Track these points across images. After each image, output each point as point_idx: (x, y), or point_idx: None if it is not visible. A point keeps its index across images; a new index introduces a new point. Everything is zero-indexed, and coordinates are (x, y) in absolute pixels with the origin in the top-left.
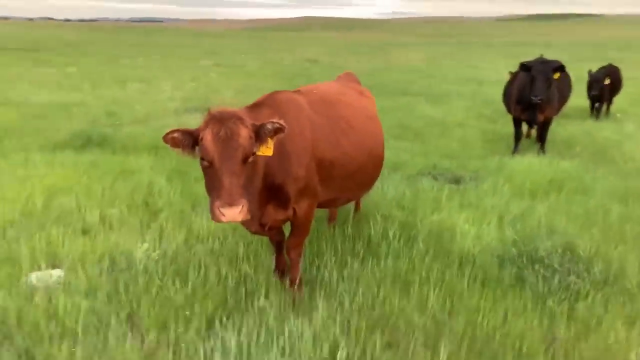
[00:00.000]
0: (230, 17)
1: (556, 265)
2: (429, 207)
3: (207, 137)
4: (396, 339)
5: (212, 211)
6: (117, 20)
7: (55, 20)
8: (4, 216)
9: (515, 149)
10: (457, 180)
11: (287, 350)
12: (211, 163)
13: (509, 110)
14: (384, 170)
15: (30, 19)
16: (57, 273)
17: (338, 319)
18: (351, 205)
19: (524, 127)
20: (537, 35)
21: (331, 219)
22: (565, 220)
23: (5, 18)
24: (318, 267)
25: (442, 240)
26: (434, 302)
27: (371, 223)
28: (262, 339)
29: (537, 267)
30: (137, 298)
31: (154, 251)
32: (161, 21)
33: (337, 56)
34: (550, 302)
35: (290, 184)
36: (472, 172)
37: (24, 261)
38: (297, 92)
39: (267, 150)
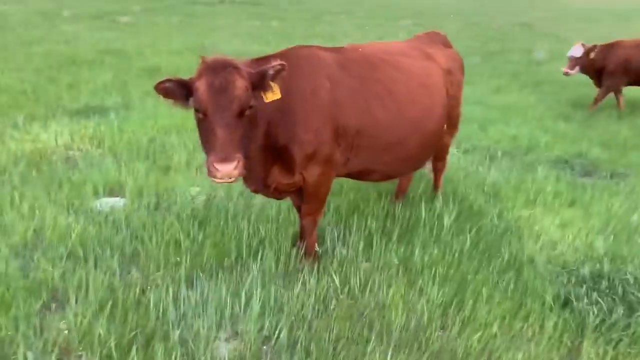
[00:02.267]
0: None
1: (633, 295)
2: (523, 199)
3: (201, 87)
4: (352, 334)
5: (207, 168)
6: None
7: None
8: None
9: None
10: (590, 174)
11: (228, 319)
12: (205, 115)
13: None
14: (510, 151)
15: None
16: (121, 202)
17: (311, 301)
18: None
19: None
20: None
21: (399, 192)
22: None
23: None
24: (344, 242)
25: (501, 240)
26: (431, 305)
27: (430, 205)
28: (218, 301)
29: (592, 291)
30: (152, 234)
31: (201, 196)
32: None
33: (556, 22)
34: (587, 341)
35: (294, 148)
36: (624, 167)
37: (98, 187)
38: (338, 49)
39: (274, 95)
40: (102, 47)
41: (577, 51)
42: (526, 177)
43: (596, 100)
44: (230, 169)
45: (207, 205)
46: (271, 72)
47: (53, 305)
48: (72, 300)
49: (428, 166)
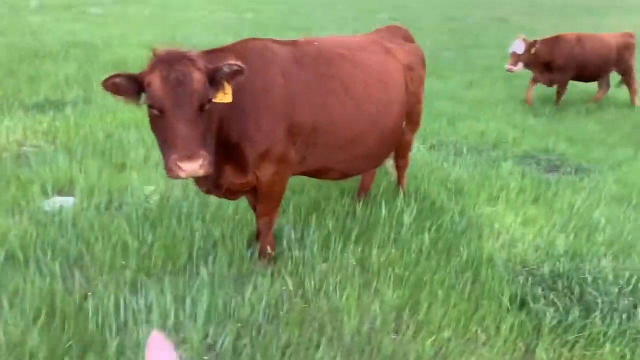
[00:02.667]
0: None
1: (590, 294)
2: (486, 196)
3: (155, 82)
4: (303, 340)
5: (167, 166)
6: None
7: None
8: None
9: None
10: (556, 170)
11: (172, 326)
12: (162, 111)
13: None
14: (477, 146)
15: None
16: (70, 201)
17: (262, 306)
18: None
19: None
20: None
21: (362, 190)
22: None
23: None
24: (301, 243)
25: (461, 239)
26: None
27: (391, 203)
28: (162, 307)
29: (549, 291)
30: (99, 236)
31: (154, 194)
32: None
33: (534, 16)
34: (542, 344)
35: (246, 146)
36: (589, 163)
37: (47, 186)
38: (293, 42)
39: (225, 96)
40: (69, 39)
41: (519, 47)
42: (490, 173)
43: (558, 96)
44: (195, 167)
45: (160, 205)
46: (226, 69)
47: None
48: (6, 309)
49: (391, 163)
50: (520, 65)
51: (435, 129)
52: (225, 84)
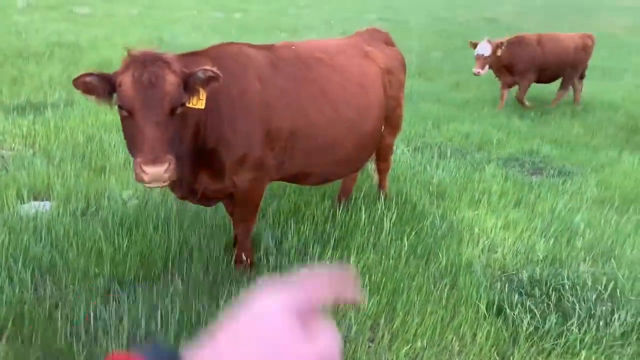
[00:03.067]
0: None
1: (568, 301)
2: (468, 199)
3: (127, 82)
4: None
5: (134, 171)
6: None
7: None
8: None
9: None
10: (539, 172)
11: (144, 337)
12: (131, 112)
13: None
14: (461, 149)
15: None
16: (46, 206)
17: None
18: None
19: None
20: None
21: (343, 194)
22: None
23: None
24: (279, 249)
25: (441, 243)
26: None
27: (371, 207)
28: (134, 317)
29: (526, 297)
30: (73, 242)
31: (132, 199)
32: None
33: (524, 16)
34: (518, 351)
35: (223, 151)
36: (573, 165)
37: (22, 191)
38: (269, 46)
39: (198, 102)
40: (54, 40)
41: (485, 49)
42: (473, 176)
43: (519, 100)
44: (160, 171)
45: (138, 210)
46: (201, 75)
47: None
48: None
49: (372, 167)
50: (487, 68)
51: (420, 131)
52: (200, 89)
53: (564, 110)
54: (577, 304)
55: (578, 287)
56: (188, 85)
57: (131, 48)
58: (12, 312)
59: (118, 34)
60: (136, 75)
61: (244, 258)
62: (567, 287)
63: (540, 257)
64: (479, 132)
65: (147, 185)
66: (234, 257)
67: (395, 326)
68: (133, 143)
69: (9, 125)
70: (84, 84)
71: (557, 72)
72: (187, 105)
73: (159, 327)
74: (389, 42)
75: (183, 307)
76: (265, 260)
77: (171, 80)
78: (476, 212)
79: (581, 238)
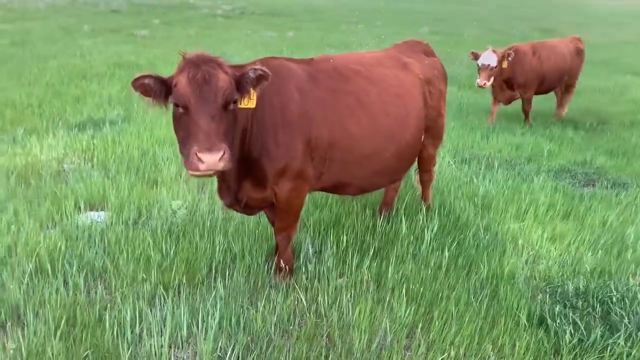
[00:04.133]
0: None
1: (616, 314)
2: (514, 211)
3: (182, 81)
4: (312, 355)
5: (188, 162)
6: None
7: None
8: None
9: None
10: (592, 184)
11: (185, 338)
12: (186, 108)
13: None
14: (510, 160)
15: None
16: (101, 216)
17: (274, 319)
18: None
19: None
20: None
21: (385, 205)
22: None
23: None
24: (319, 258)
25: (483, 255)
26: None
27: (413, 218)
28: (177, 320)
29: (571, 309)
30: (124, 249)
31: (181, 209)
32: None
33: (579, 27)
34: None
35: (265, 162)
36: (629, 176)
37: (80, 202)
38: (308, 60)
39: (250, 102)
40: (115, 61)
41: (491, 59)
42: (521, 187)
43: (526, 114)
44: (215, 159)
45: (186, 220)
46: (251, 74)
47: (8, 324)
48: (30, 319)
49: (416, 178)
50: (492, 80)
51: (468, 143)
52: (251, 89)
53: (622, 120)
54: (625, 317)
55: (627, 300)
56: (240, 85)
57: (186, 52)
58: (65, 313)
59: (174, 53)
60: (191, 74)
61: (284, 266)
62: (615, 299)
63: (588, 269)
64: (529, 144)
65: (200, 173)
66: (274, 264)
67: (432, 335)
68: (188, 137)
69: (71, 140)
70: (142, 86)
71: (556, 81)
72: (239, 105)
73: (199, 329)
74: (428, 53)
75: (223, 311)
76: (304, 268)
77: (224, 78)
78: (522, 224)
79: (632, 251)
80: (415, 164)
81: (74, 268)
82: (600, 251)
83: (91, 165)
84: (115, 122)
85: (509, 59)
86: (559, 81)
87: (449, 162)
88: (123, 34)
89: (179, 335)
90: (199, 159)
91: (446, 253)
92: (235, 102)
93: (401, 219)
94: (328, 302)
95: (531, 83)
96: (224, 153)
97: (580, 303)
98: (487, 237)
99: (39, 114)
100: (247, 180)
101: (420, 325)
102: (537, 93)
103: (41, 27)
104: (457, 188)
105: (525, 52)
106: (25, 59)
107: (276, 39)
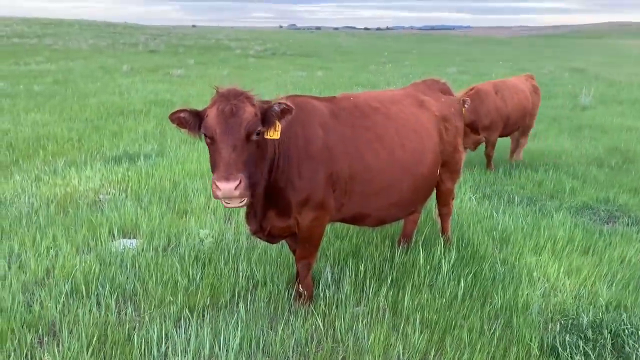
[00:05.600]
0: (524, 24)
1: (629, 346)
2: (532, 245)
3: (212, 113)
4: None
5: (212, 187)
6: (411, 27)
7: (356, 29)
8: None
9: None
10: (614, 221)
11: (207, 358)
12: (212, 139)
13: None
14: (532, 196)
15: (336, 28)
16: (133, 243)
17: (291, 343)
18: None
19: None
20: None
21: (404, 237)
22: None
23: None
24: (337, 285)
25: (499, 286)
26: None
27: (431, 249)
28: (200, 340)
29: (583, 340)
30: (153, 274)
31: (208, 238)
32: (452, 29)
33: (611, 66)
34: None
35: (290, 192)
36: None
37: (114, 229)
38: (330, 98)
39: (274, 133)
40: (151, 99)
41: None
42: (541, 222)
43: (488, 159)
44: (230, 187)
45: (212, 248)
46: (277, 108)
47: (45, 339)
48: (65, 335)
49: (436, 211)
50: None
51: (490, 179)
52: (276, 121)
53: None
54: (638, 350)
55: None
56: (266, 117)
57: (220, 86)
58: (97, 331)
59: (208, 91)
60: (220, 107)
61: (303, 291)
62: (628, 332)
63: (603, 302)
64: (552, 180)
65: (225, 203)
66: (294, 290)
67: None
68: (213, 166)
69: (107, 172)
70: (178, 119)
71: (520, 121)
72: (265, 136)
73: (220, 349)
74: (445, 91)
75: (244, 333)
76: (322, 294)
77: (249, 110)
78: (539, 258)
79: None
80: (435, 197)
81: (107, 290)
82: (616, 285)
83: (125, 196)
84: (149, 156)
85: (466, 105)
86: (523, 121)
87: (469, 197)
88: (160, 73)
89: (202, 354)
90: (217, 187)
91: (462, 284)
92: (259, 133)
93: (419, 250)
94: (344, 328)
95: (496, 124)
96: (240, 182)
97: (591, 334)
98: (503, 270)
99: (79, 147)
100: (271, 209)
101: (432, 352)
102: (499, 135)
103: (83, 67)
104: (477, 222)
105: (488, 92)
106: (67, 96)
107: (306, 78)
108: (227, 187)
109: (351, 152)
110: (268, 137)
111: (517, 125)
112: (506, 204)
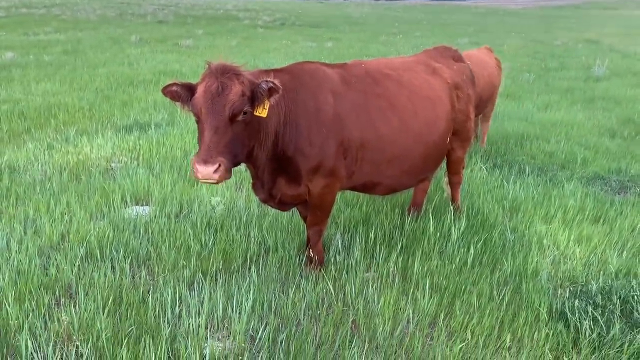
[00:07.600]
0: None
1: (638, 312)
2: (542, 214)
3: (199, 91)
4: (337, 338)
5: (191, 167)
6: None
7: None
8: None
9: None
10: (625, 191)
11: (220, 319)
12: (198, 118)
13: None
14: (543, 167)
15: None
16: (145, 210)
17: (302, 305)
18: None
19: None
20: None
21: (414, 205)
22: None
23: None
24: (348, 251)
25: (508, 253)
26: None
27: (440, 217)
28: (213, 302)
29: (592, 306)
30: (166, 239)
31: (219, 205)
32: None
33: (626, 38)
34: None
35: (300, 160)
36: None
37: (126, 196)
38: (342, 65)
39: (262, 111)
40: (160, 69)
41: None
42: (552, 192)
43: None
44: (209, 171)
45: (224, 214)
46: (264, 86)
47: (62, 300)
48: (81, 296)
49: (445, 180)
50: None
51: (501, 149)
52: (265, 100)
53: None
54: None
55: None
56: (254, 95)
57: (211, 61)
58: (112, 293)
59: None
60: (208, 85)
61: (314, 257)
62: (638, 298)
63: (613, 270)
64: (563, 151)
65: (202, 181)
66: (305, 256)
67: (453, 325)
68: (198, 143)
69: (118, 141)
70: (170, 92)
71: (487, 101)
72: (254, 114)
73: (233, 311)
74: (457, 59)
75: (256, 296)
76: (333, 260)
77: (236, 90)
78: (549, 226)
79: None
80: (444, 165)
81: (121, 254)
82: (626, 254)
83: (137, 164)
84: (160, 125)
85: None
86: (492, 100)
87: (480, 167)
88: (168, 43)
89: (215, 316)
90: (196, 169)
91: (472, 251)
92: (245, 113)
93: (429, 218)
94: (355, 292)
95: None
96: (219, 166)
97: (600, 300)
98: (513, 238)
99: (90, 116)
100: (281, 177)
101: (442, 315)
102: None
103: (91, 37)
104: (487, 192)
105: None
106: (77, 66)
107: (315, 49)
108: (206, 171)
109: (362, 120)
110: (257, 114)
111: (485, 105)
112: (517, 174)
